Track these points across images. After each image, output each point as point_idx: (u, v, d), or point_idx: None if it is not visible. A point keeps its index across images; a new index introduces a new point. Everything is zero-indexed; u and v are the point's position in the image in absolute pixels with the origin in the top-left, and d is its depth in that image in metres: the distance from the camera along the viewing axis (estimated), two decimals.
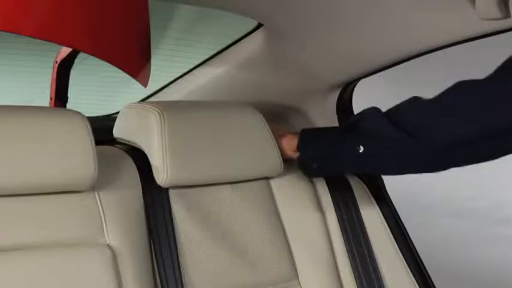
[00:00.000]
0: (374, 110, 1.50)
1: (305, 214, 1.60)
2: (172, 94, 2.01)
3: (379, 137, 1.46)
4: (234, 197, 1.53)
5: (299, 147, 1.59)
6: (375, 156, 1.48)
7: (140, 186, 1.44)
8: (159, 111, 1.46)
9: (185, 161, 1.46)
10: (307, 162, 1.60)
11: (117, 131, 1.59)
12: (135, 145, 1.52)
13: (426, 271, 1.66)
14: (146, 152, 1.48)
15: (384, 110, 1.49)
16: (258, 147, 1.55)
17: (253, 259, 1.50)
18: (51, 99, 2.06)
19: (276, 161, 1.57)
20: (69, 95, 2.07)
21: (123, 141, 1.57)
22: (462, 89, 1.37)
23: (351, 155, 1.50)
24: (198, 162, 1.48)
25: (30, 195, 1.30)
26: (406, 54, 1.52)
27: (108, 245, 1.33)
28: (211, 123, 1.53)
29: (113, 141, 1.58)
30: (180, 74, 2.01)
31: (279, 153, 1.58)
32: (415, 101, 1.44)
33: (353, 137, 1.50)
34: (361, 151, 1.48)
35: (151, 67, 1.75)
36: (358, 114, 1.55)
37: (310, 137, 1.59)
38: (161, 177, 1.44)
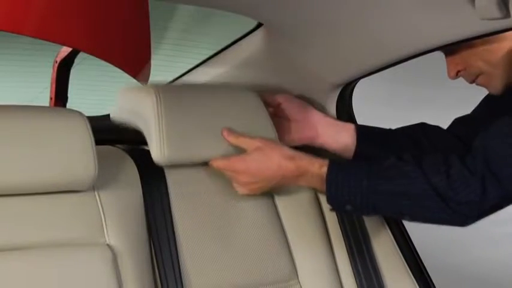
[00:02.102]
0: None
1: (304, 213, 1.60)
2: None
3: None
4: (235, 197, 1.53)
5: (328, 192, 1.46)
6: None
7: (140, 186, 1.44)
8: (155, 90, 1.47)
9: (182, 138, 1.46)
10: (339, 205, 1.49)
11: (115, 113, 1.59)
12: (132, 125, 1.53)
13: (426, 271, 1.66)
14: (143, 132, 1.48)
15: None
16: (255, 127, 1.54)
17: (253, 259, 1.50)
18: (51, 99, 2.06)
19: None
20: (69, 95, 2.08)
21: (120, 122, 1.57)
22: None
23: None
24: (195, 139, 1.48)
25: (30, 195, 1.30)
26: (406, 54, 1.51)
27: (108, 245, 1.33)
28: (208, 103, 1.53)
29: (113, 141, 1.58)
30: (179, 74, 2.01)
31: (276, 134, 1.57)
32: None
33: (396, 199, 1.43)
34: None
35: (151, 67, 1.75)
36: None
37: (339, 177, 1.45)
38: (158, 155, 1.44)
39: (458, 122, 1.66)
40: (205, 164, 1.52)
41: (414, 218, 1.46)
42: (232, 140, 1.50)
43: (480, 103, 1.64)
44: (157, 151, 1.45)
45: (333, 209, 1.49)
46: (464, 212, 1.38)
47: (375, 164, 1.44)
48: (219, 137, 1.50)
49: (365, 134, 1.64)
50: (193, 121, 1.49)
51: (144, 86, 1.52)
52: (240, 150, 1.50)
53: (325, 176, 1.44)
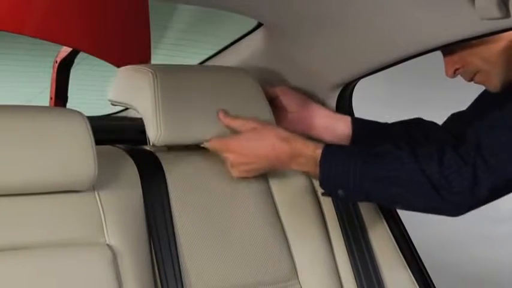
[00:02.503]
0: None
1: (305, 213, 1.60)
2: None
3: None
4: (235, 195, 1.53)
5: (321, 175, 1.45)
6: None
7: (140, 186, 1.44)
8: (152, 70, 1.47)
9: (179, 118, 1.47)
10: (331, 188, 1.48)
11: (112, 94, 1.59)
12: (129, 106, 1.53)
13: (426, 271, 1.66)
14: (140, 113, 1.48)
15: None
16: (252, 109, 1.55)
17: (253, 259, 1.50)
18: (51, 98, 2.07)
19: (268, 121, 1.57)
20: (69, 94, 2.08)
21: (118, 103, 1.58)
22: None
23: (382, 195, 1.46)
24: (192, 120, 1.49)
25: (30, 194, 1.30)
26: (406, 54, 1.52)
27: (108, 245, 1.33)
28: (205, 84, 1.54)
29: (113, 141, 1.58)
30: None
31: (272, 115, 1.57)
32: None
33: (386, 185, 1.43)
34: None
35: None
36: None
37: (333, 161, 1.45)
38: (155, 135, 1.44)
39: (453, 118, 1.67)
40: (205, 163, 1.53)
41: (406, 206, 1.46)
42: (228, 121, 1.51)
43: (475, 100, 1.65)
44: (154, 131, 1.45)
45: (325, 194, 1.49)
46: (456, 201, 1.38)
47: (369, 149, 1.45)
48: (215, 118, 1.51)
49: (361, 126, 1.64)
50: (191, 101, 1.49)
51: (141, 66, 1.52)
52: (236, 132, 1.51)
53: (318, 158, 1.44)
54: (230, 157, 1.49)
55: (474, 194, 1.36)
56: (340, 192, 1.44)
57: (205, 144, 1.51)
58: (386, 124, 1.67)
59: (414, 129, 1.65)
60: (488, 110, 1.42)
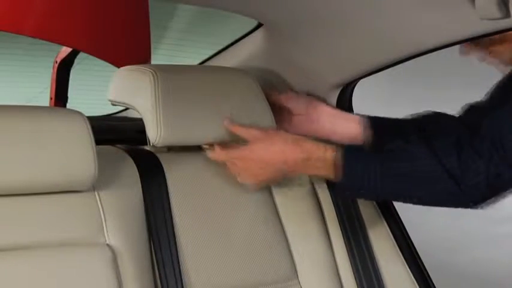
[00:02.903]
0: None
1: (305, 213, 1.60)
2: None
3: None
4: (235, 196, 1.53)
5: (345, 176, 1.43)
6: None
7: (140, 186, 1.44)
8: (152, 71, 1.47)
9: (179, 119, 1.47)
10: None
11: (112, 94, 1.59)
12: (130, 106, 1.53)
13: (426, 271, 1.66)
14: (140, 113, 1.48)
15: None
16: (253, 110, 1.55)
17: (253, 259, 1.50)
18: (51, 99, 2.07)
19: (269, 123, 1.56)
20: (69, 94, 2.08)
21: (118, 103, 1.57)
22: None
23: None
24: (192, 120, 1.48)
25: (30, 195, 1.30)
26: (406, 54, 1.52)
27: (108, 245, 1.34)
28: (206, 84, 1.54)
29: (113, 141, 1.58)
30: None
31: (272, 116, 1.57)
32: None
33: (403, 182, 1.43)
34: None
35: None
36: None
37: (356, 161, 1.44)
38: (155, 135, 1.44)
39: (469, 109, 1.65)
40: (205, 163, 1.53)
41: (423, 201, 1.46)
42: (233, 129, 1.50)
43: (491, 91, 1.63)
44: (154, 131, 1.45)
45: (342, 194, 1.48)
46: (474, 194, 1.39)
47: (387, 147, 1.45)
48: (215, 119, 1.51)
49: (371, 123, 1.62)
50: (191, 102, 1.49)
51: (141, 66, 1.52)
52: (240, 140, 1.50)
53: (331, 160, 1.42)
54: (239, 164, 1.48)
55: (491, 186, 1.37)
56: (361, 192, 1.44)
57: (208, 154, 1.50)
58: (397, 119, 1.66)
59: (427, 122, 1.64)
60: (504, 102, 1.42)
